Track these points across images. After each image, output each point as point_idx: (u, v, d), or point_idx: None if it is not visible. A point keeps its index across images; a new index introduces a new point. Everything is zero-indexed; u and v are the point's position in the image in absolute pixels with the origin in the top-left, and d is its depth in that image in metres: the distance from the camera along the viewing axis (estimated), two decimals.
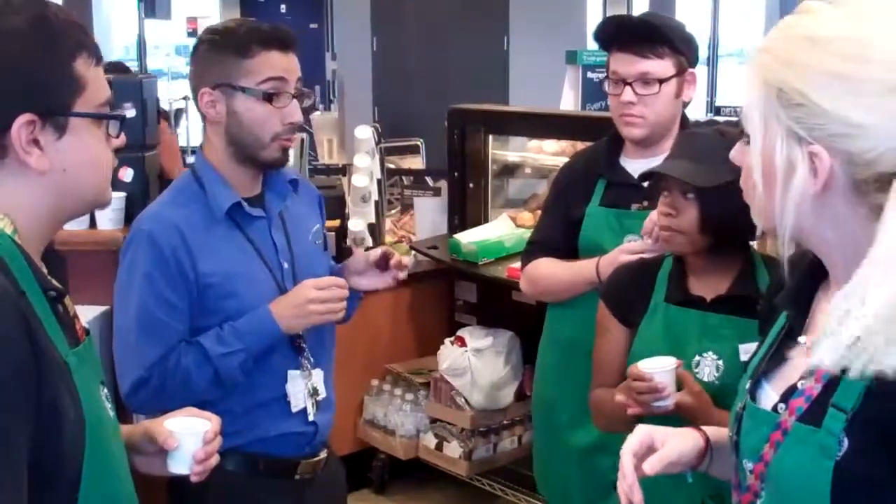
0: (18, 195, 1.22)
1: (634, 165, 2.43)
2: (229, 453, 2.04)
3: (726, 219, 1.84)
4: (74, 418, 1.18)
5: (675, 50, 2.36)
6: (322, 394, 2.18)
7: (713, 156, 1.88)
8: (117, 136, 1.31)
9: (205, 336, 2.03)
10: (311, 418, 2.16)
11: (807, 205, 1.12)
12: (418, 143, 8.26)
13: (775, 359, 1.26)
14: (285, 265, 2.13)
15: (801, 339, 1.23)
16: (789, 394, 1.20)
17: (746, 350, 1.89)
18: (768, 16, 10.75)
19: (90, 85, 1.25)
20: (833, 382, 1.13)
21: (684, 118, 2.49)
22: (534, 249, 2.65)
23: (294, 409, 2.13)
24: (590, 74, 4.65)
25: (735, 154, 1.24)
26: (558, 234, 2.57)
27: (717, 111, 8.42)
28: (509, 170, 4.35)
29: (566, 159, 3.93)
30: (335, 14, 12.82)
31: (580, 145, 3.93)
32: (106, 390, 1.30)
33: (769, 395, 1.25)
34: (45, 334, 1.16)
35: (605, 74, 2.46)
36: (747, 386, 1.29)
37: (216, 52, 2.04)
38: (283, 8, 13.34)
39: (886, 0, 1.12)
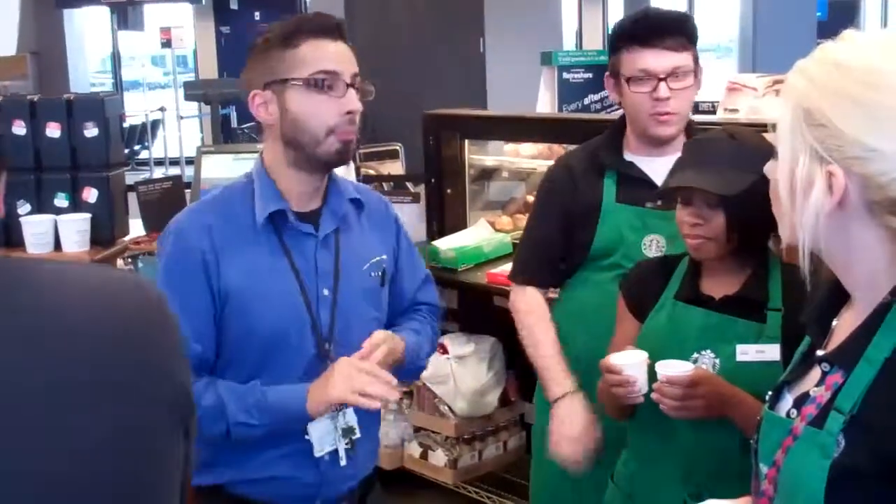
0: None
1: (642, 162, 2.40)
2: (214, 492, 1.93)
3: (752, 221, 1.89)
4: None
5: (693, 42, 2.36)
6: (357, 433, 1.95)
7: (731, 161, 1.92)
8: None
9: (229, 391, 1.84)
10: (342, 463, 1.94)
11: (823, 221, 1.17)
12: (397, 147, 8.22)
13: (798, 371, 1.34)
14: (325, 292, 1.92)
15: (819, 352, 1.29)
16: (802, 400, 1.27)
17: (744, 351, 1.93)
18: (743, 11, 10.78)
19: None
20: (840, 389, 1.19)
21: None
22: (524, 260, 2.56)
23: (318, 453, 1.92)
24: (565, 75, 4.63)
25: (769, 167, 1.28)
26: (555, 234, 2.48)
27: (696, 106, 8.43)
28: (487, 174, 4.33)
29: (543, 162, 3.94)
30: None
31: (557, 147, 3.92)
32: None
33: (787, 403, 1.31)
34: None
35: (614, 74, 2.38)
36: (768, 395, 1.36)
37: (265, 52, 1.91)
38: (256, 15, 13.28)
39: None
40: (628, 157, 2.43)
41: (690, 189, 1.94)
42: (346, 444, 1.94)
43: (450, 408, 3.69)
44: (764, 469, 1.30)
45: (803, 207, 1.18)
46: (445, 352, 3.70)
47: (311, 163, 1.91)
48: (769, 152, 1.90)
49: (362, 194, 2.05)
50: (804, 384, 1.30)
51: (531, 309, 2.51)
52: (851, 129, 1.14)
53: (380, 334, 1.95)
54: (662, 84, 2.30)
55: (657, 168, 2.33)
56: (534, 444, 2.68)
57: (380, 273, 2.03)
